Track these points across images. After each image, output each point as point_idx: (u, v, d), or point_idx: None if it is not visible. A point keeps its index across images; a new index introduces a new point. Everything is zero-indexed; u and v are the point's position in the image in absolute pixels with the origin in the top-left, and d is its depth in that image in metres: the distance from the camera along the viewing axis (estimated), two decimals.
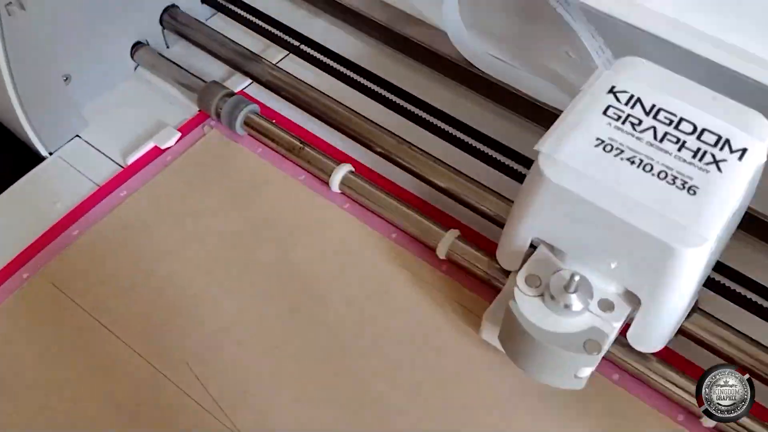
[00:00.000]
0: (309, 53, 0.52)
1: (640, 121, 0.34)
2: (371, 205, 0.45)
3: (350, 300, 0.42)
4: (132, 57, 0.52)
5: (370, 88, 0.50)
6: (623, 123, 0.34)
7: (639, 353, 0.38)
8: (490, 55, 0.51)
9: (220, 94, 0.49)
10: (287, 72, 0.51)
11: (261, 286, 0.42)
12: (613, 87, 0.35)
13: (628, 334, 0.37)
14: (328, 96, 0.49)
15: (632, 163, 0.33)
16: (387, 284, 0.43)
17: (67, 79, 0.48)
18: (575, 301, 0.35)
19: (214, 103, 0.48)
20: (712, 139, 0.33)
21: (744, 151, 0.33)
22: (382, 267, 0.43)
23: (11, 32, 0.43)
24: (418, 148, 0.46)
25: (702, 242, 0.31)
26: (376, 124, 0.47)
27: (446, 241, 0.42)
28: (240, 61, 0.51)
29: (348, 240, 0.44)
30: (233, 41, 0.52)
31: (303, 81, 0.50)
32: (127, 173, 0.47)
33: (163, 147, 0.49)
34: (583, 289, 0.35)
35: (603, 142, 0.34)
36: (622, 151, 0.33)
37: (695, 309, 0.39)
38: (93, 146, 0.49)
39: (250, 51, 0.52)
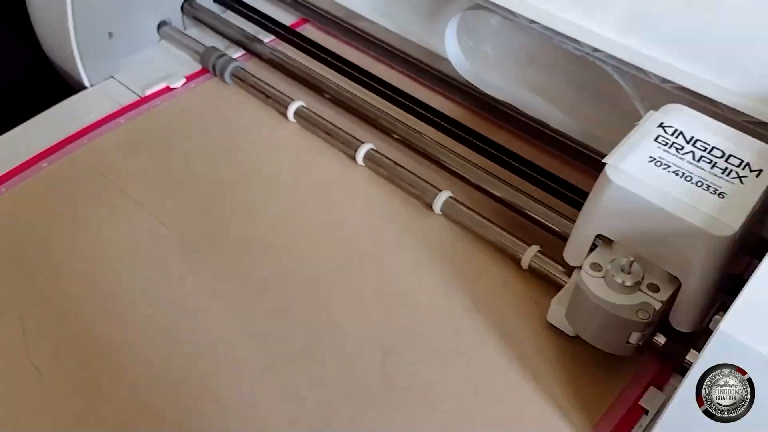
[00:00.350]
0: (295, 41, 0.70)
1: (682, 147, 0.45)
2: (314, 128, 0.62)
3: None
4: (158, 32, 0.71)
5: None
6: (669, 147, 0.45)
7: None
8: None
9: (215, 54, 0.67)
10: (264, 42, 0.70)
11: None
12: (662, 123, 0.46)
13: (670, 316, 0.45)
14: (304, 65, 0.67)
15: (677, 175, 0.43)
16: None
17: (110, 35, 0.66)
18: (630, 281, 0.44)
19: (211, 60, 0.68)
20: (736, 162, 0.44)
21: (760, 171, 0.44)
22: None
23: None
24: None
25: (732, 229, 0.41)
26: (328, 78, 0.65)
27: (363, 149, 0.59)
28: (240, 39, 0.70)
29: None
30: (236, 26, 0.71)
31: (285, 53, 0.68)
32: (145, 99, 0.65)
33: (172, 86, 0.67)
34: (635, 272, 0.44)
35: (655, 159, 0.44)
36: (669, 167, 0.44)
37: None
38: (122, 83, 0.67)
39: (250, 33, 0.70)
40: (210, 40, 0.71)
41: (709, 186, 0.43)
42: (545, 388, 0.47)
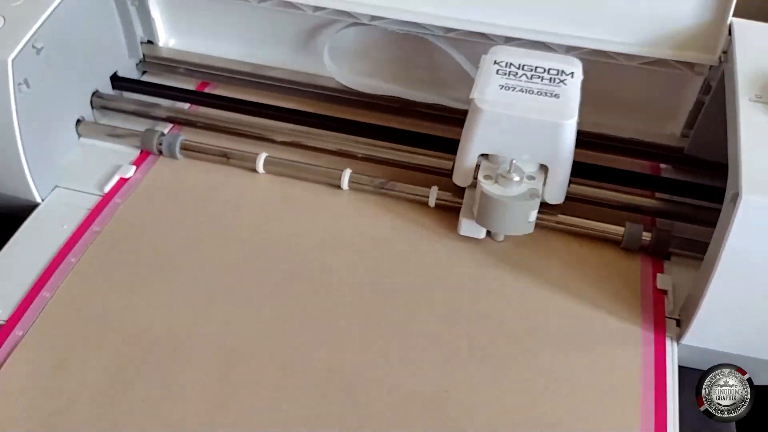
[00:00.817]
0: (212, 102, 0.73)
1: (517, 73, 0.59)
2: (287, 172, 0.66)
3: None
4: (76, 130, 0.69)
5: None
6: (508, 75, 0.58)
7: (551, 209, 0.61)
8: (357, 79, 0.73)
9: (157, 134, 0.68)
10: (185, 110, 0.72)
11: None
12: (495, 60, 0.60)
13: (544, 194, 0.58)
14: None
15: (522, 92, 0.57)
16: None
17: (45, 144, 0.64)
18: (515, 177, 0.57)
19: (155, 141, 0.68)
20: (555, 72, 0.59)
21: (573, 73, 0.59)
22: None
23: (21, 105, 0.59)
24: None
25: (572, 117, 0.56)
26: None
27: (345, 176, 0.65)
28: (151, 112, 0.71)
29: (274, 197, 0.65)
30: (144, 102, 0.72)
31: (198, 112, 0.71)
32: (108, 196, 0.64)
33: (125, 177, 0.66)
34: (517, 170, 0.57)
35: (503, 86, 0.57)
36: (515, 88, 0.57)
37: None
38: (72, 189, 0.65)
39: (170, 106, 0.72)
40: (128, 123, 0.71)
41: (547, 93, 0.57)
42: (584, 300, 0.58)
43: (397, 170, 0.67)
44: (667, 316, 0.57)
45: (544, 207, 0.60)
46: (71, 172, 0.67)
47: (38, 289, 0.57)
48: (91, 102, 0.71)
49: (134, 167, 0.67)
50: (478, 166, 0.59)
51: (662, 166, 0.70)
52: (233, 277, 0.59)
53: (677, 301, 0.58)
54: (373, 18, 0.67)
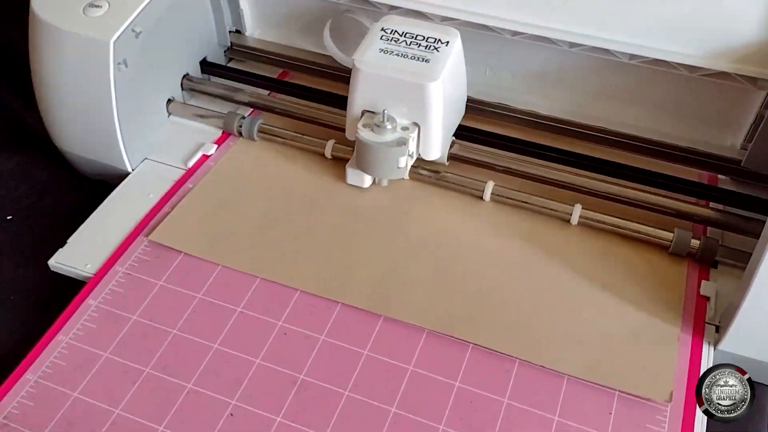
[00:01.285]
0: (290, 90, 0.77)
1: (398, 39, 0.63)
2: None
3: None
4: (167, 109, 0.75)
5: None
6: (390, 41, 0.63)
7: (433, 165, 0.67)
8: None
9: (238, 117, 0.73)
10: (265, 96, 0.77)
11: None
12: (383, 27, 0.64)
13: (420, 149, 0.64)
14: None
15: (399, 56, 0.62)
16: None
17: (138, 118, 0.69)
18: (387, 125, 0.62)
19: (236, 123, 0.73)
20: (432, 40, 0.63)
21: (448, 42, 0.63)
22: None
23: (119, 83, 0.65)
24: None
25: (436, 78, 0.60)
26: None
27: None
28: (234, 96, 0.76)
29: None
30: (229, 87, 0.77)
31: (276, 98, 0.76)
32: (191, 171, 0.69)
33: (207, 154, 0.71)
34: (390, 120, 0.62)
35: (383, 50, 0.62)
36: (393, 52, 0.62)
37: (453, 144, 0.67)
38: (160, 162, 0.71)
39: (240, 89, 0.76)
40: (213, 105, 0.76)
41: (420, 58, 0.62)
42: (627, 300, 0.59)
43: None
44: (707, 321, 0.58)
45: (424, 162, 0.67)
46: (159, 147, 0.72)
47: (127, 245, 0.63)
48: (182, 84, 0.76)
49: (216, 146, 0.72)
50: None
51: (720, 177, 0.70)
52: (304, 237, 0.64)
53: (719, 308, 0.59)
54: (444, 19, 0.70)
